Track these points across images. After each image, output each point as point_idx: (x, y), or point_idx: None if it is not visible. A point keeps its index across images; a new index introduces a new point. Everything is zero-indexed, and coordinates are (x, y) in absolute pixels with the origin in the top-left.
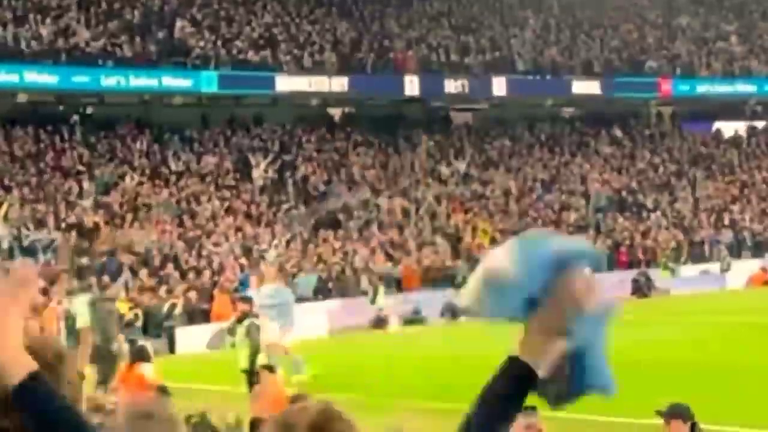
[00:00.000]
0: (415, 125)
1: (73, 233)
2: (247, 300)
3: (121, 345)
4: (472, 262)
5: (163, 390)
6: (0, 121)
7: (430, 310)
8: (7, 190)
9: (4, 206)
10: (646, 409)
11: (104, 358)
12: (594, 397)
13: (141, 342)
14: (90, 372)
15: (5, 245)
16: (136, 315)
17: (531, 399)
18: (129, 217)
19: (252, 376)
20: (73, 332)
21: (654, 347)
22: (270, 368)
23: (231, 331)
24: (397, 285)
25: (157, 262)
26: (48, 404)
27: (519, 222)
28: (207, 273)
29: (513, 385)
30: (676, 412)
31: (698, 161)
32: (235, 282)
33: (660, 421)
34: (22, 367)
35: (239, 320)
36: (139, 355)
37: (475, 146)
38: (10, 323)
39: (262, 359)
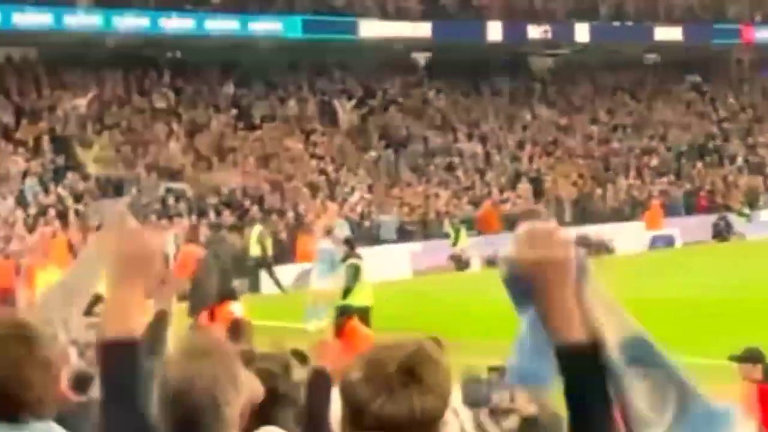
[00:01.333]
0: (497, 71)
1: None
2: (350, 242)
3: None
4: (554, 206)
5: (239, 328)
6: (90, 65)
7: None
8: (98, 132)
9: (95, 148)
10: (721, 349)
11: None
12: (669, 339)
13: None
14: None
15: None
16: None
17: None
18: (215, 160)
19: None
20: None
21: (733, 290)
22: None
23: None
24: (478, 228)
25: (242, 204)
26: (122, 374)
27: (600, 166)
28: (290, 215)
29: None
30: (747, 356)
31: None
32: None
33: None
34: (125, 329)
35: (342, 260)
36: (229, 294)
37: (557, 92)
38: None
39: (351, 300)
